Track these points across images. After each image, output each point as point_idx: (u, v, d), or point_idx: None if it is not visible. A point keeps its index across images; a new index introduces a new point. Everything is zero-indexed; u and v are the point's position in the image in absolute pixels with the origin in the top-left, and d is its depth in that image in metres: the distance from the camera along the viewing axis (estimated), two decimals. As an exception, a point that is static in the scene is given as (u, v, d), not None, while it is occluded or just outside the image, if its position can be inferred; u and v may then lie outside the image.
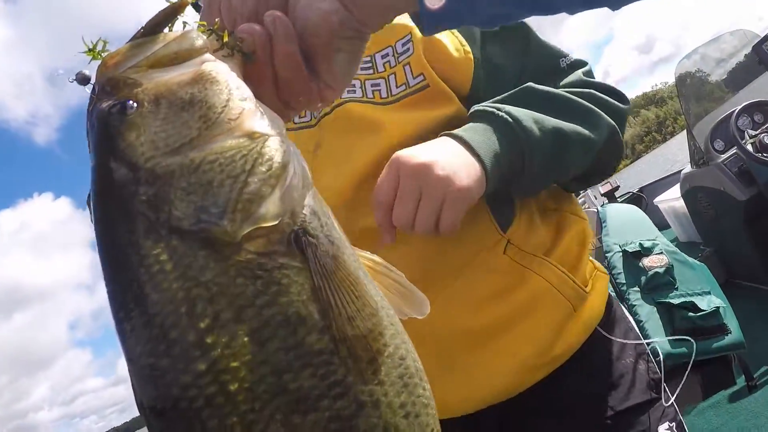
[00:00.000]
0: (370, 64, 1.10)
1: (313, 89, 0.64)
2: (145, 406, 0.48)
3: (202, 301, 0.47)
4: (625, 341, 1.15)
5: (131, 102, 0.53)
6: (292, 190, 0.52)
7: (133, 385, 0.50)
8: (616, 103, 1.14)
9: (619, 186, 7.93)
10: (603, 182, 6.72)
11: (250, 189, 0.50)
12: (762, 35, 4.15)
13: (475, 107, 1.04)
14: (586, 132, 1.06)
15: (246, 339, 0.47)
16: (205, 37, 0.58)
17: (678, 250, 1.78)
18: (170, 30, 0.58)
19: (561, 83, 1.15)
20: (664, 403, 1.09)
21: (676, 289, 1.62)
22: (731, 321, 1.63)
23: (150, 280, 0.48)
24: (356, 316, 0.50)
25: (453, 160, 0.93)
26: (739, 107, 4.16)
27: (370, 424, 0.48)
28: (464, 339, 1.06)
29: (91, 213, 0.58)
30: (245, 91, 0.56)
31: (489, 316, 1.05)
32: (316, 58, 0.63)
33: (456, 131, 0.99)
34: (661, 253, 1.69)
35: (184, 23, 0.59)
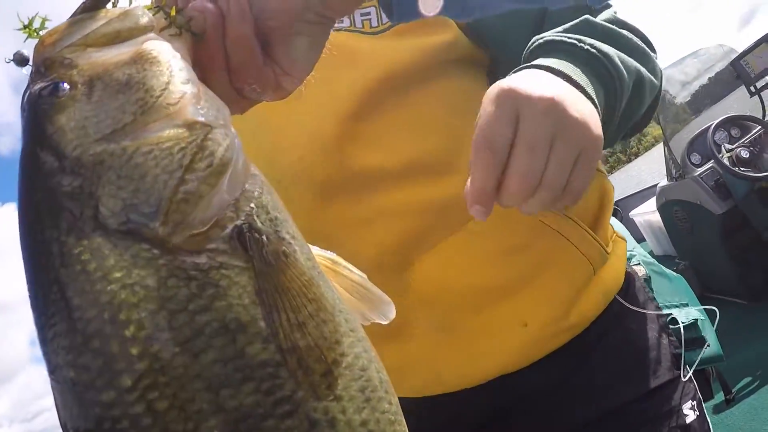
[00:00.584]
0: None
1: (268, 76, 0.59)
2: (68, 427, 0.43)
3: (127, 306, 0.41)
4: (647, 311, 1.02)
5: (64, 84, 0.48)
6: (234, 187, 0.47)
7: (55, 401, 0.44)
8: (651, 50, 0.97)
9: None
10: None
11: (187, 188, 0.44)
12: (740, 51, 4.20)
13: (544, 38, 0.87)
14: (650, 76, 0.91)
15: (177, 349, 0.41)
16: (150, 15, 0.54)
17: (656, 261, 1.75)
18: (114, 6, 0.54)
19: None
20: (682, 379, 0.99)
21: (654, 300, 1.58)
22: (709, 334, 1.60)
23: (72, 282, 0.42)
24: (308, 322, 0.44)
25: (575, 98, 0.73)
26: (716, 121, 4.20)
27: None
28: (468, 299, 0.92)
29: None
30: (188, 73, 0.51)
31: (497, 275, 0.91)
32: (274, 42, 0.58)
33: (546, 63, 0.80)
34: (639, 264, 1.65)
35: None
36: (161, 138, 0.46)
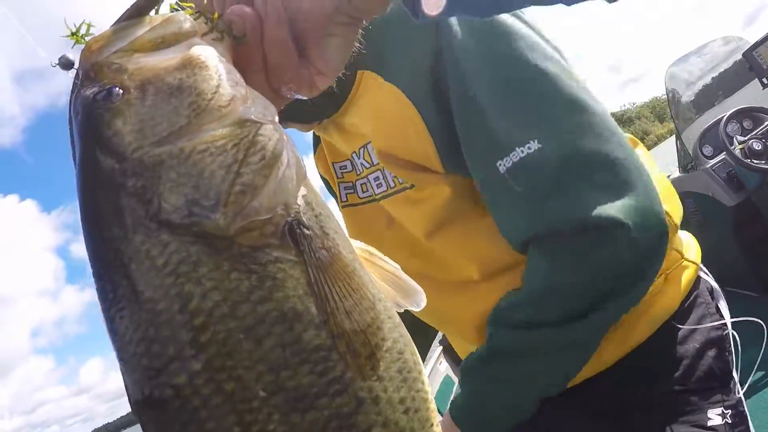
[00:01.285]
0: (370, 163, 1.17)
1: (304, 75, 0.62)
2: (140, 407, 0.46)
3: (196, 298, 0.45)
4: (693, 327, 1.09)
5: (117, 89, 0.51)
6: (285, 181, 0.50)
7: (126, 385, 0.48)
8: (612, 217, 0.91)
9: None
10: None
11: (243, 180, 0.48)
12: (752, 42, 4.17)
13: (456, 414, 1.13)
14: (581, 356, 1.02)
15: (241, 336, 0.45)
16: (192, 20, 0.56)
17: None
18: (157, 12, 0.56)
19: (499, 215, 1.03)
20: (723, 397, 1.05)
21: None
22: None
23: (141, 277, 0.46)
24: (354, 310, 0.48)
25: None
26: (728, 113, 4.18)
27: (369, 421, 0.46)
28: None
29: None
30: (236, 76, 0.54)
31: None
32: (308, 43, 0.61)
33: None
34: None
35: (174, 7, 0.58)
36: (216, 137, 0.49)
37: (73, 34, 0.56)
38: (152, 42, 0.54)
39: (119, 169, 0.48)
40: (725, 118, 4.13)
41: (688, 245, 1.24)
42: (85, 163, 0.51)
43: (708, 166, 4.23)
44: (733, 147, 4.00)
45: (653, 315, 1.07)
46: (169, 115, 0.50)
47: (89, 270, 0.50)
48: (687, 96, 5.00)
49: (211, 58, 0.53)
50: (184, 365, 0.44)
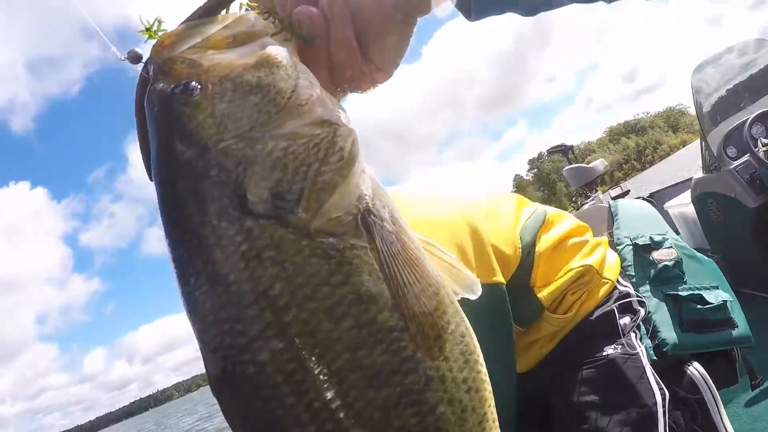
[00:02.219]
0: None
1: (365, 72, 0.65)
2: (220, 384, 0.49)
3: (280, 281, 0.47)
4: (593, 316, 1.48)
5: (194, 83, 0.53)
6: (360, 178, 0.52)
7: (206, 365, 0.50)
8: None
9: (629, 191, 7.88)
10: (614, 186, 6.73)
11: (324, 178, 0.50)
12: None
13: None
14: None
15: (322, 317, 0.47)
16: (263, 21, 0.58)
17: (687, 245, 1.78)
18: (227, 12, 0.58)
19: None
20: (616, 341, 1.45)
21: (685, 282, 1.60)
22: (738, 315, 1.63)
23: (225, 261, 0.48)
24: (422, 295, 0.50)
25: None
26: (753, 115, 4.15)
27: (437, 398, 0.49)
28: None
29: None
30: (311, 77, 0.56)
31: None
32: (368, 41, 0.64)
33: None
34: (671, 247, 1.68)
35: (243, 6, 0.59)
36: (296, 135, 0.51)
37: (146, 29, 0.57)
38: (225, 40, 0.55)
39: (202, 159, 0.51)
40: (750, 120, 4.11)
41: (611, 267, 1.59)
42: (165, 154, 0.53)
43: (731, 167, 4.21)
44: (757, 149, 3.98)
45: (577, 318, 1.46)
46: (250, 111, 0.52)
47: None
48: (713, 98, 4.96)
49: (286, 58, 0.55)
50: (268, 343, 0.47)
